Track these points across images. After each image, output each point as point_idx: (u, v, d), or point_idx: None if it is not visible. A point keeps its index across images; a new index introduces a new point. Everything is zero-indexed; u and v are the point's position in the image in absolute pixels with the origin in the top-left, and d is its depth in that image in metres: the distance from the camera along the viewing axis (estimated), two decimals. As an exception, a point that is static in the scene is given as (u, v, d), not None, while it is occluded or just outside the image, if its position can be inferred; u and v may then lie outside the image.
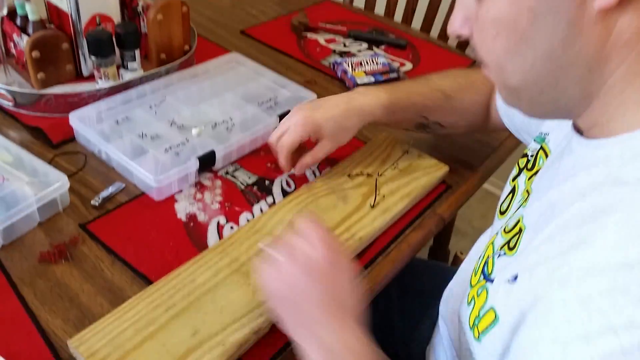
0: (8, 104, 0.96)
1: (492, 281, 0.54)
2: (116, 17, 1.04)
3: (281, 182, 0.87)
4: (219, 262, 0.70)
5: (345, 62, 1.17)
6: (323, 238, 0.58)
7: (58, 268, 0.70)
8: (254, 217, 0.80)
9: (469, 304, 0.58)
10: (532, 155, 0.67)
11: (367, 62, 1.17)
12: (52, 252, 0.71)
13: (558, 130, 0.61)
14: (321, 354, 0.53)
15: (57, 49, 0.98)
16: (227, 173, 0.88)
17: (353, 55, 1.25)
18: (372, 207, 0.80)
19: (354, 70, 1.14)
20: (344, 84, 1.15)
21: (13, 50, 1.03)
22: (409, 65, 1.24)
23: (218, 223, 0.79)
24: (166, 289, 0.65)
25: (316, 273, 0.56)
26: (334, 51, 1.27)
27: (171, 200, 0.81)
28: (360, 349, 0.54)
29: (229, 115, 0.93)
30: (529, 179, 0.62)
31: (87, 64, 1.03)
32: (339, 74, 1.16)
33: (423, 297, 0.95)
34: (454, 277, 0.79)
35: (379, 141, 0.93)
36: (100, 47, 0.94)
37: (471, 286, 0.59)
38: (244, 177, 0.87)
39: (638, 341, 0.37)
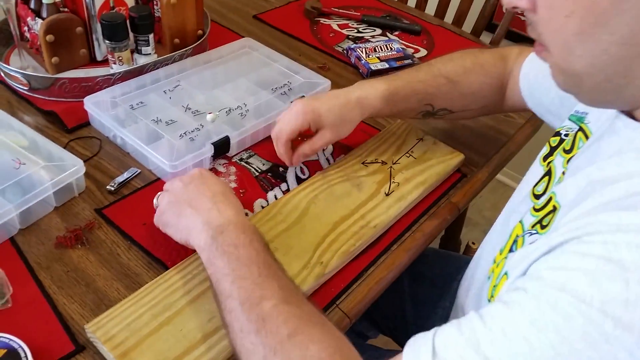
0: (23, 88, 0.96)
1: (514, 251, 0.53)
2: (130, 0, 1.03)
3: (295, 169, 0.87)
4: (234, 248, 0.70)
5: (359, 48, 1.16)
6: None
7: (74, 253, 0.71)
8: (268, 203, 0.80)
9: (488, 278, 0.57)
10: (566, 134, 0.64)
11: (381, 48, 1.16)
12: (68, 237, 0.72)
13: (601, 111, 0.58)
14: (208, 233, 0.60)
15: (71, 33, 0.98)
16: (241, 159, 0.88)
17: (367, 40, 1.24)
18: (387, 195, 0.80)
19: (368, 56, 1.13)
20: (357, 70, 1.14)
21: (27, 34, 1.03)
22: (423, 52, 1.22)
23: (232, 209, 0.79)
24: (182, 274, 0.66)
25: (191, 179, 0.68)
26: (348, 37, 1.26)
27: (186, 186, 0.81)
28: (242, 221, 0.62)
29: (243, 101, 0.93)
30: (568, 161, 0.60)
31: (101, 48, 1.03)
32: (352, 59, 1.16)
33: (435, 286, 0.95)
34: (472, 266, 0.77)
35: (393, 128, 0.93)
36: (115, 31, 0.94)
37: (494, 262, 0.58)
38: (258, 164, 0.87)
39: None
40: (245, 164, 0.87)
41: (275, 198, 0.81)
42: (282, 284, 0.55)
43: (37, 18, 0.98)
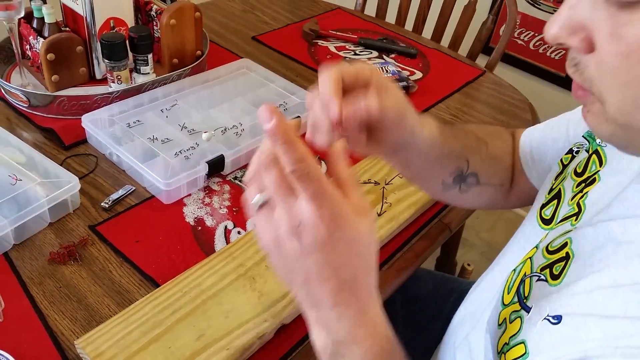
0: (22, 105, 0.97)
1: (527, 310, 0.49)
2: (130, 21, 1.06)
3: (289, 188, 0.88)
4: (226, 266, 0.70)
5: (356, 70, 1.17)
6: (319, 192, 0.41)
7: (67, 269, 0.71)
8: (261, 222, 0.81)
9: (499, 326, 0.52)
10: (577, 151, 0.60)
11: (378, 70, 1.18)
12: (61, 253, 0.72)
13: None
14: (324, 345, 0.45)
15: (72, 52, 1.00)
16: (235, 178, 0.89)
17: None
18: (379, 215, 0.81)
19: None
20: (353, 92, 1.15)
21: (29, 52, 1.05)
22: (418, 74, 1.24)
23: (225, 228, 0.80)
24: (173, 292, 0.66)
25: (317, 244, 0.42)
26: (344, 58, 1.27)
27: (180, 204, 0.82)
28: (362, 339, 0.45)
29: (239, 120, 0.94)
30: (578, 186, 0.55)
31: (101, 67, 1.04)
32: (348, 81, 1.17)
33: (428, 307, 0.95)
34: (474, 296, 0.70)
35: (387, 149, 0.94)
36: (114, 50, 0.96)
37: (503, 305, 0.53)
38: (252, 183, 0.88)
39: None
40: (239, 183, 0.88)
41: (269, 217, 0.82)
42: None
43: (38, 37, 1.00)
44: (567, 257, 0.48)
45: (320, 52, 1.29)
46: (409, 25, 1.57)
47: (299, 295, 0.46)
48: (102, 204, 0.80)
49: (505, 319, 0.52)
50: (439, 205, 0.87)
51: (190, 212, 0.81)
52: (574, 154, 0.62)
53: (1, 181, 0.78)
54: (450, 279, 1.06)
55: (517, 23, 1.79)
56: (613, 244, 0.43)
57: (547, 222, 0.58)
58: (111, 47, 0.95)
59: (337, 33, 1.36)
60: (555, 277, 0.48)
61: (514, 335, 0.49)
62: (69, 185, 0.77)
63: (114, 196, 0.82)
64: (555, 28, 0.39)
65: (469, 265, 1.21)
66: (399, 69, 1.21)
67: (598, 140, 0.59)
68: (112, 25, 1.03)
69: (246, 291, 0.67)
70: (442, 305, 0.93)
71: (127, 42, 0.98)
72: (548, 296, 0.47)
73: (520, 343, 0.47)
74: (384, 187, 0.85)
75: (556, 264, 0.49)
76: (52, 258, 0.72)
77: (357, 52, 1.31)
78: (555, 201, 0.58)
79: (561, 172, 0.62)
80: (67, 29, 1.05)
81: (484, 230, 2.03)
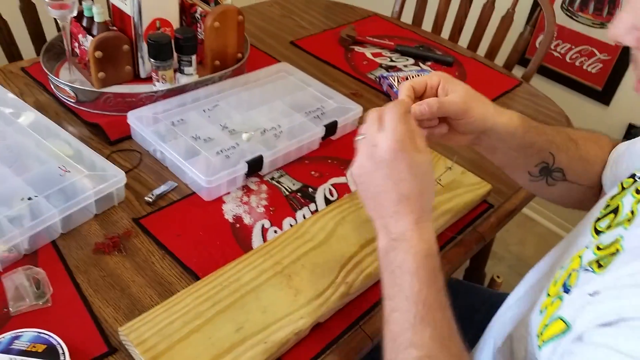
0: (70, 101, 1.01)
1: (568, 292, 0.52)
2: (175, 22, 1.09)
3: (324, 190, 0.89)
4: (263, 263, 0.72)
5: (391, 77, 1.19)
6: (396, 127, 0.58)
7: (111, 259, 0.74)
8: (297, 222, 0.83)
9: (540, 312, 0.56)
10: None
11: (412, 77, 1.19)
12: (106, 244, 0.75)
13: None
14: (383, 242, 0.58)
15: (118, 50, 1.03)
16: (272, 178, 0.91)
17: (399, 69, 1.27)
18: (414, 220, 0.82)
19: (400, 84, 1.16)
20: (389, 98, 1.17)
21: (77, 50, 1.09)
22: (454, 83, 1.24)
23: (262, 226, 0.81)
24: (213, 285, 0.68)
25: (383, 162, 0.58)
26: (381, 65, 1.29)
27: (219, 201, 0.85)
28: (417, 239, 0.56)
29: (278, 122, 0.96)
30: (638, 203, 0.58)
31: (145, 66, 1.08)
32: (384, 87, 1.18)
33: (457, 317, 0.95)
34: (515, 295, 0.72)
35: (422, 156, 0.95)
36: (160, 50, 0.99)
37: (548, 296, 0.57)
38: (289, 184, 0.90)
39: None
40: (276, 183, 0.90)
41: (304, 217, 0.84)
42: (436, 333, 0.54)
43: (87, 35, 1.03)
44: (616, 252, 0.50)
45: (356, 58, 1.31)
46: (445, 33, 1.57)
47: (371, 208, 0.61)
48: (145, 198, 0.83)
49: (547, 305, 0.55)
50: (474, 213, 0.88)
51: (229, 210, 0.83)
52: (636, 178, 0.63)
53: (51, 172, 0.81)
54: (482, 289, 1.06)
55: (554, 35, 1.78)
56: None
57: (601, 233, 0.59)
58: (158, 47, 0.98)
59: (374, 39, 1.37)
60: (601, 267, 0.50)
61: (552, 314, 0.51)
62: (115, 178, 0.80)
63: (157, 191, 0.84)
64: (613, 30, 0.47)
65: (498, 277, 1.21)
66: (435, 77, 1.21)
67: None
68: (158, 25, 1.06)
69: (283, 288, 0.69)
70: (473, 315, 0.93)
71: (172, 42, 1.01)
72: (590, 281, 0.49)
73: (558, 319, 0.50)
74: (419, 193, 0.86)
75: (605, 258, 0.51)
76: (97, 248, 0.75)
77: (394, 58, 1.32)
78: (612, 215, 0.60)
79: (619, 193, 0.63)
80: (115, 28, 1.08)
81: (513, 243, 2.01)
